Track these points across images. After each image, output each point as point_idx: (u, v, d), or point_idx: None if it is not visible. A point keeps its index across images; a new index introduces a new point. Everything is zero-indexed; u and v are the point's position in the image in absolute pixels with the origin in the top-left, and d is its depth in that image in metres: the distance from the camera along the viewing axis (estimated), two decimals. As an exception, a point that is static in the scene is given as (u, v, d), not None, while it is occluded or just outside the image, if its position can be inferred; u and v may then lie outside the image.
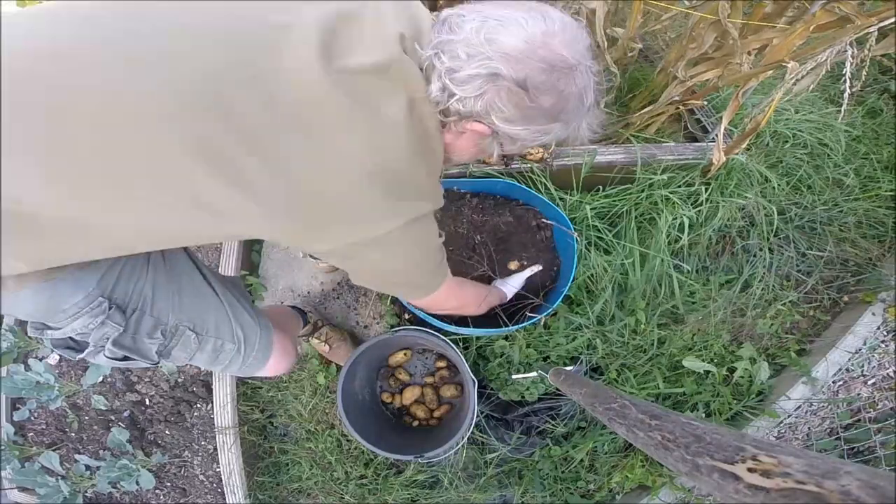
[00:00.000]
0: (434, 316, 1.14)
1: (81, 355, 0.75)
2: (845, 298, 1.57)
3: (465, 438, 1.20)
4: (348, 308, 1.53)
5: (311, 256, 1.43)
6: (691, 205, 1.39)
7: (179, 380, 1.46)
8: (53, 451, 1.36)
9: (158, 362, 0.81)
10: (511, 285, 1.20)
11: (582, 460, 1.33)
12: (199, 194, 0.55)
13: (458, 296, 0.92)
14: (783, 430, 1.40)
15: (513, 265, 1.29)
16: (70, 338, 0.73)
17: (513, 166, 1.35)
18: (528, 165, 1.35)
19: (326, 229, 0.63)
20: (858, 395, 1.42)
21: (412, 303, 0.94)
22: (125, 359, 0.76)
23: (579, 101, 0.64)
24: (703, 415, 1.38)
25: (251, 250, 1.54)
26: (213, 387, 1.36)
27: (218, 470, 1.36)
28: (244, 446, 1.36)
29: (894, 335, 1.45)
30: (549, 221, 1.33)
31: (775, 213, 1.44)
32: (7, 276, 0.59)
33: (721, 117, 1.26)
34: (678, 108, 1.47)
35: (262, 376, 1.24)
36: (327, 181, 0.58)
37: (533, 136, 0.66)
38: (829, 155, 1.63)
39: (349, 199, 0.60)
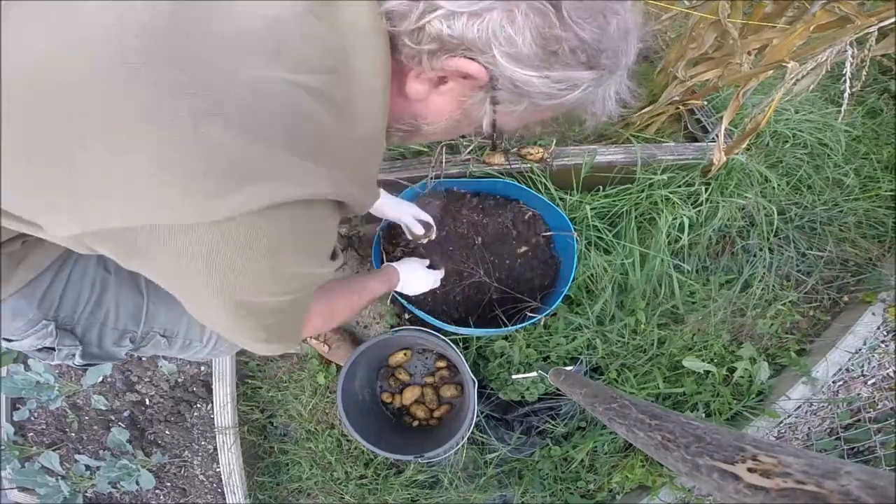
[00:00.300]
0: (433, 316, 1.14)
1: (49, 361, 0.74)
2: (845, 298, 1.57)
3: (465, 438, 1.20)
4: (348, 308, 1.54)
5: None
6: (691, 205, 1.39)
7: (179, 380, 1.46)
8: (53, 451, 1.36)
9: (126, 359, 0.81)
10: (402, 267, 1.04)
11: (582, 460, 1.33)
12: None
13: (320, 314, 0.70)
14: (783, 430, 1.40)
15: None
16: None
17: (513, 166, 1.35)
18: (528, 165, 1.35)
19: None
20: (858, 395, 1.42)
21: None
22: (90, 364, 0.76)
23: (622, 45, 0.43)
24: (703, 415, 1.38)
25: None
26: (213, 387, 1.36)
27: (218, 470, 1.36)
28: (244, 446, 1.36)
29: (894, 335, 1.45)
30: (544, 222, 1.33)
31: (775, 213, 1.44)
32: None
33: (721, 117, 1.26)
34: (678, 108, 1.47)
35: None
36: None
37: (551, 88, 0.43)
38: (829, 155, 1.63)
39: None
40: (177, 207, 0.36)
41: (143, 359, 1.45)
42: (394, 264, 1.05)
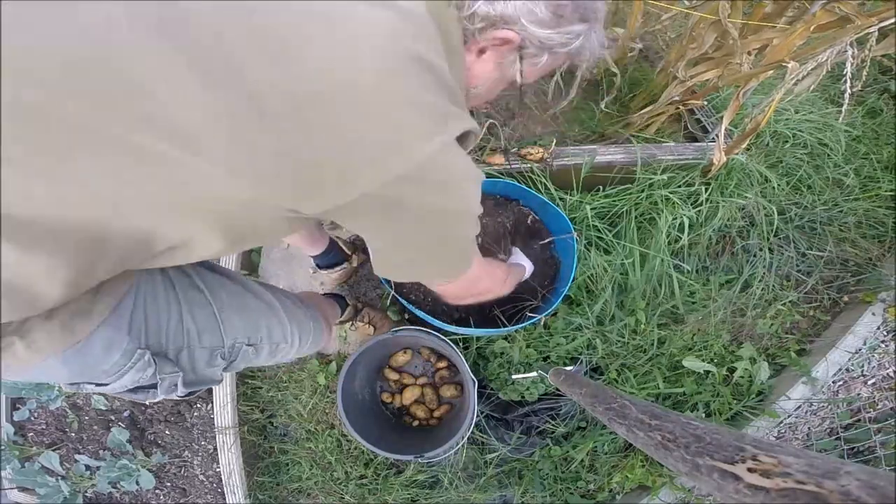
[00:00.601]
0: (434, 315, 1.14)
1: (152, 399, 0.70)
2: (845, 298, 1.57)
3: (465, 438, 1.20)
4: (348, 308, 1.54)
5: (332, 227, 1.33)
6: (691, 205, 1.39)
7: (190, 397, 1.46)
8: (53, 451, 1.36)
9: (222, 379, 0.79)
10: (522, 261, 1.16)
11: (582, 460, 1.33)
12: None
13: (489, 273, 0.81)
14: (783, 430, 1.40)
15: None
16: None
17: (513, 166, 1.35)
18: (528, 165, 1.35)
19: (339, 168, 0.46)
20: (858, 395, 1.42)
21: (440, 290, 0.76)
22: (192, 392, 0.74)
23: (599, 3, 0.63)
24: (703, 415, 1.38)
25: (251, 250, 1.54)
26: (213, 387, 1.36)
27: (218, 470, 1.36)
28: (244, 446, 1.36)
29: (894, 335, 1.45)
30: (543, 224, 1.33)
31: (775, 213, 1.44)
32: (18, 347, 0.52)
33: (721, 117, 1.26)
34: (678, 108, 1.47)
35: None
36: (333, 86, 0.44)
37: (562, 39, 0.61)
38: (829, 155, 1.63)
39: (370, 108, 0.45)
40: (424, 140, 0.48)
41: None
42: (523, 265, 1.16)
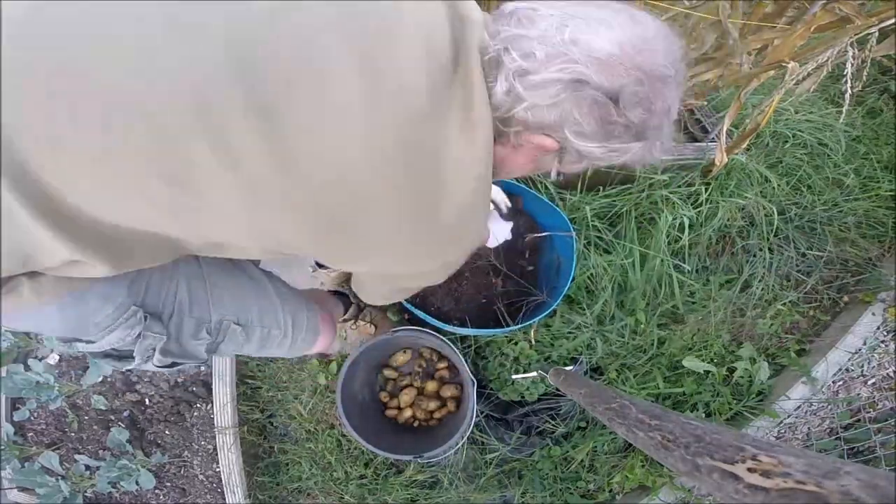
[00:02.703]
0: (434, 315, 1.14)
1: (128, 366, 0.72)
2: (845, 298, 1.57)
3: (465, 438, 1.20)
4: (348, 308, 1.53)
5: (318, 266, 1.40)
6: (691, 205, 1.39)
7: (179, 380, 1.46)
8: (53, 451, 1.36)
9: (207, 360, 0.78)
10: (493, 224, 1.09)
11: (582, 460, 1.33)
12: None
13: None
14: (783, 430, 1.40)
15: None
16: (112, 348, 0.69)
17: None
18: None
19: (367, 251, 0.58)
20: (858, 395, 1.42)
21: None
22: (173, 364, 0.74)
23: (666, 117, 0.55)
24: (703, 415, 1.38)
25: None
26: (213, 387, 1.36)
27: (218, 470, 1.36)
28: (244, 446, 1.36)
29: (894, 335, 1.45)
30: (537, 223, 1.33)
31: (775, 213, 1.44)
32: (25, 287, 0.55)
33: (721, 117, 1.26)
34: (678, 108, 1.46)
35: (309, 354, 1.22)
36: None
37: (606, 154, 0.56)
38: (829, 155, 1.63)
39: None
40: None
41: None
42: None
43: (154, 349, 0.70)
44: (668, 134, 0.58)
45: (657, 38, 0.52)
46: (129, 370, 0.73)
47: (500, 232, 1.12)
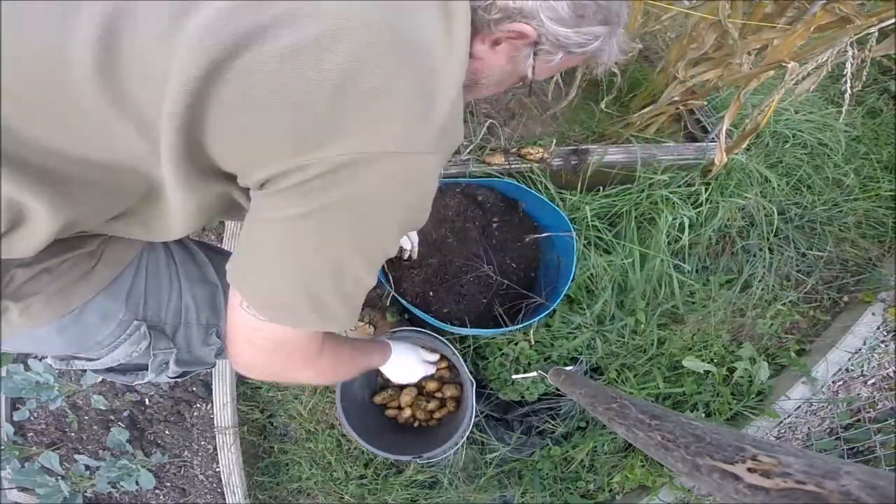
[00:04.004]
0: (434, 316, 1.14)
1: (137, 381, 0.70)
2: (845, 298, 1.57)
3: (465, 439, 1.20)
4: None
5: None
6: (691, 205, 1.39)
7: (180, 380, 1.46)
8: (53, 451, 1.36)
9: (215, 364, 0.77)
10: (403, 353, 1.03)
11: (582, 460, 1.33)
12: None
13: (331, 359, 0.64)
14: (783, 431, 1.40)
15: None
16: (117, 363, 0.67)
17: (513, 166, 1.35)
18: (528, 165, 1.35)
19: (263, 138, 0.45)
20: (858, 395, 1.42)
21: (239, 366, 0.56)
22: (185, 373, 0.73)
23: (623, 6, 0.59)
24: (703, 415, 1.38)
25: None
26: (213, 387, 1.36)
27: (218, 470, 1.36)
28: (244, 446, 1.36)
29: (894, 335, 1.45)
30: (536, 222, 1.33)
31: (775, 213, 1.44)
32: (13, 312, 0.52)
33: (721, 117, 1.26)
34: (678, 108, 1.47)
35: None
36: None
37: (581, 39, 0.57)
38: (829, 155, 1.63)
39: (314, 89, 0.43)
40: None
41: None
42: (391, 344, 1.00)
43: (167, 363, 0.69)
44: (624, 22, 0.61)
45: None
46: (135, 383, 0.70)
47: (409, 370, 1.06)
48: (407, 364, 1.08)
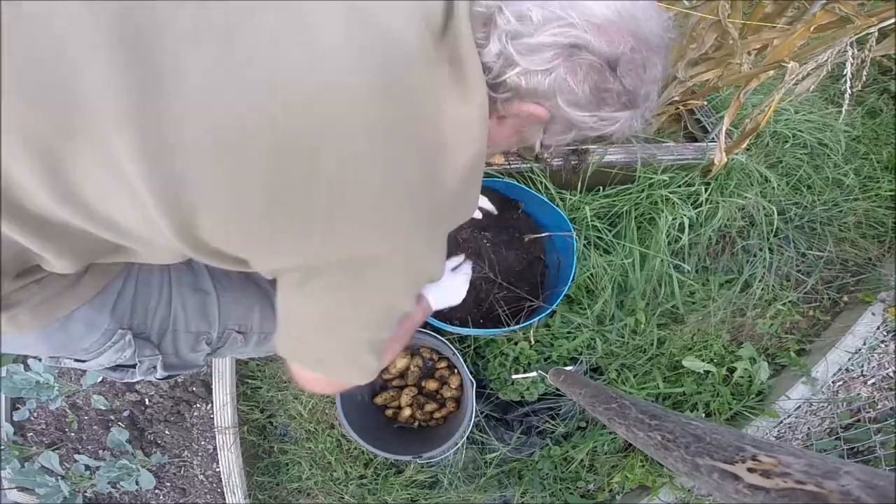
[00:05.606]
0: (435, 316, 1.14)
1: (128, 379, 0.71)
2: (845, 298, 1.57)
3: (465, 439, 1.20)
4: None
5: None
6: (691, 205, 1.39)
7: (179, 380, 1.46)
8: (53, 451, 1.36)
9: (204, 365, 0.78)
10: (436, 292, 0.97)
11: (582, 460, 1.33)
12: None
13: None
14: (783, 430, 1.40)
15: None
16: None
17: (513, 166, 1.35)
18: (528, 165, 1.35)
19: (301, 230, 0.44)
20: (858, 395, 1.42)
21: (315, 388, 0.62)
22: (172, 376, 0.74)
23: (654, 86, 0.54)
24: (703, 415, 1.38)
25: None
26: (213, 387, 1.36)
27: (218, 470, 1.36)
28: (244, 446, 1.36)
29: (894, 335, 1.45)
30: (537, 223, 1.33)
31: (775, 213, 1.44)
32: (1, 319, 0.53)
33: (721, 117, 1.26)
34: (678, 108, 1.47)
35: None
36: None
37: (596, 124, 0.54)
38: (828, 155, 1.63)
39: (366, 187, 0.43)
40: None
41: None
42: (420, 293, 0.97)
43: (155, 367, 0.69)
44: (654, 103, 0.56)
45: (650, 6, 0.51)
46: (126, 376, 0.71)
47: (453, 290, 1.01)
48: (444, 289, 0.99)
